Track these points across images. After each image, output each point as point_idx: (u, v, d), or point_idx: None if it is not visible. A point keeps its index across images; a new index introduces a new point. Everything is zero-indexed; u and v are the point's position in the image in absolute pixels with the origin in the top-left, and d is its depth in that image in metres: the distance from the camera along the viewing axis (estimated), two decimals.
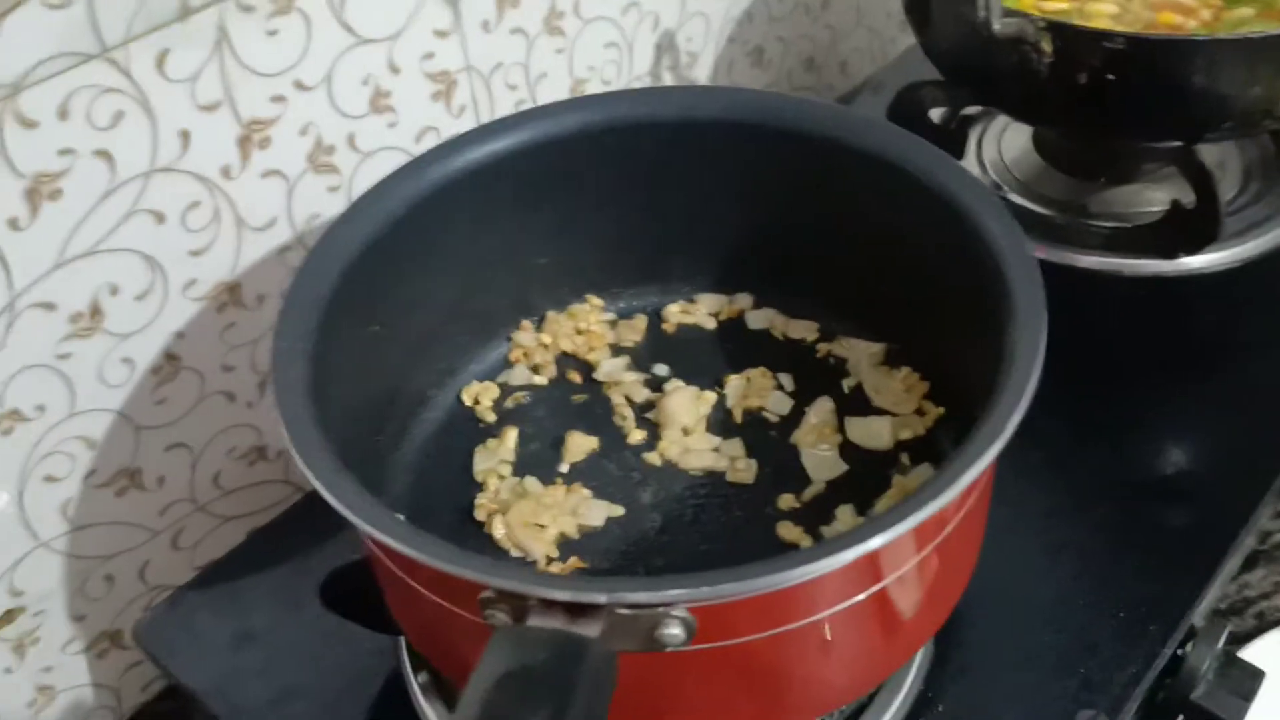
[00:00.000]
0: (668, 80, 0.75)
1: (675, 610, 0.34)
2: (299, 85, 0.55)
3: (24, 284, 0.49)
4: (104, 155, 0.49)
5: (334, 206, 0.60)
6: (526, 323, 0.58)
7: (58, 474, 0.54)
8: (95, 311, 0.52)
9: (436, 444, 0.54)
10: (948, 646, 0.50)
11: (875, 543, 0.35)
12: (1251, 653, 0.61)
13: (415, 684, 0.51)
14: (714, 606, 0.35)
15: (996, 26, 0.55)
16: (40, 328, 0.50)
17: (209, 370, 0.58)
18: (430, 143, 0.63)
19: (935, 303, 0.51)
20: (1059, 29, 0.56)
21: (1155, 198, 0.68)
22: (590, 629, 0.33)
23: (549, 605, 0.34)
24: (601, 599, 0.34)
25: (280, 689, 0.52)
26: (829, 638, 0.39)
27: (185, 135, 0.52)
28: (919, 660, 0.49)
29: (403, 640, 0.52)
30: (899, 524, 0.35)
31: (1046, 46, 0.56)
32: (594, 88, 0.71)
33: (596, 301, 0.58)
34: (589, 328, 0.57)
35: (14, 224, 0.48)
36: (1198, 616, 0.52)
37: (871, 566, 0.39)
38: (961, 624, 0.50)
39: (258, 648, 0.54)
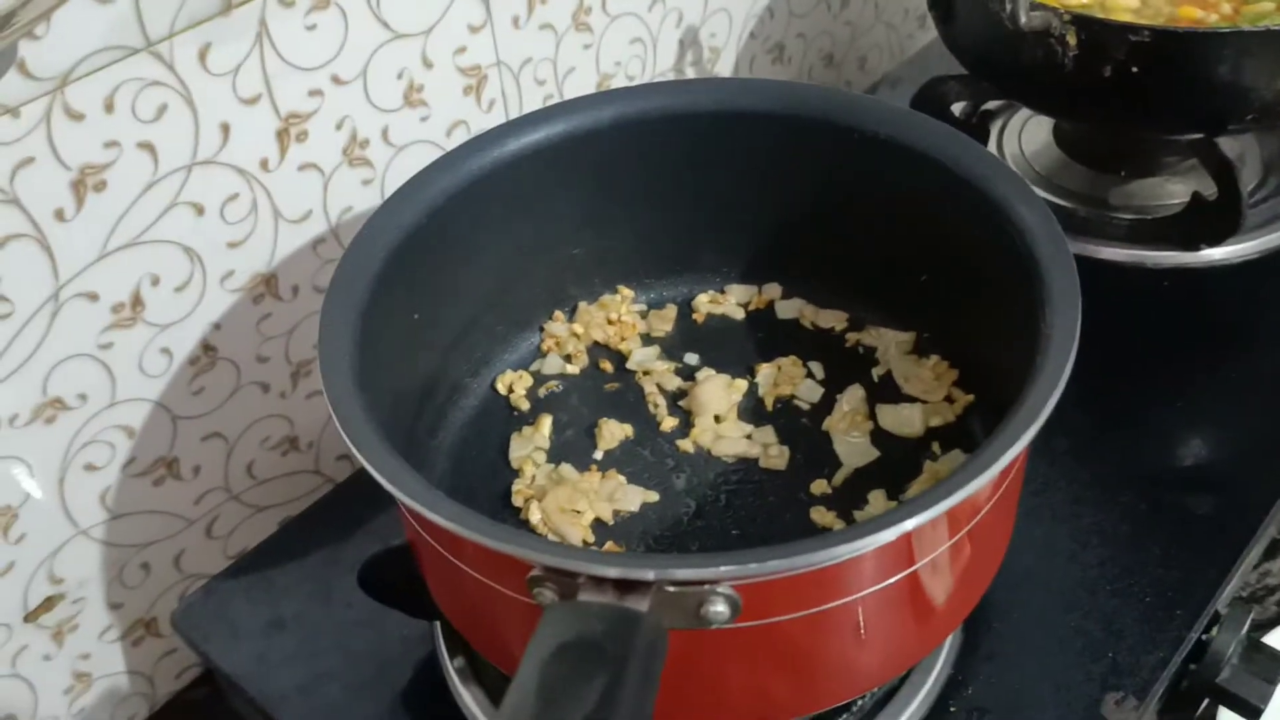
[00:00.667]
0: (691, 75, 0.76)
1: (721, 587, 0.35)
2: (336, 79, 0.56)
3: (69, 274, 0.50)
4: (147, 148, 0.50)
5: (367, 199, 0.60)
6: (559, 313, 0.59)
7: (97, 462, 0.54)
8: (136, 302, 0.53)
9: (472, 431, 0.55)
10: (977, 631, 0.50)
11: (917, 520, 0.36)
12: (1274, 639, 0.61)
13: (451, 668, 0.51)
14: (759, 584, 0.36)
15: (1023, 19, 0.56)
16: (83, 318, 0.51)
17: (244, 361, 0.59)
18: (460, 136, 0.64)
19: (965, 291, 0.51)
20: (1084, 22, 0.57)
21: (1175, 190, 0.69)
22: (639, 605, 0.34)
23: (598, 582, 0.35)
24: (650, 575, 0.34)
25: (314, 675, 0.53)
26: (866, 618, 0.40)
27: (225, 128, 0.53)
28: (948, 644, 0.50)
29: (438, 625, 0.53)
30: (943, 501, 0.36)
31: (1071, 39, 0.57)
32: (619, 83, 0.72)
33: (627, 292, 0.59)
34: (620, 318, 0.58)
35: (60, 215, 0.48)
36: (1221, 603, 0.53)
37: (908, 548, 0.40)
38: (990, 609, 0.51)
39: (291, 634, 0.55)
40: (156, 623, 0.61)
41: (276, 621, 0.56)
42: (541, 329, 0.59)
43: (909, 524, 0.37)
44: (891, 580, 0.40)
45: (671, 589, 0.35)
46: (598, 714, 0.30)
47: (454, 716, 0.50)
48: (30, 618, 0.55)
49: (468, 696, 0.50)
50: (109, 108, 0.48)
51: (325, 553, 0.59)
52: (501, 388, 0.57)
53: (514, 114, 0.66)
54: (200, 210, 0.53)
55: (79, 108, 0.47)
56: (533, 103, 0.67)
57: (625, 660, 0.31)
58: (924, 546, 0.40)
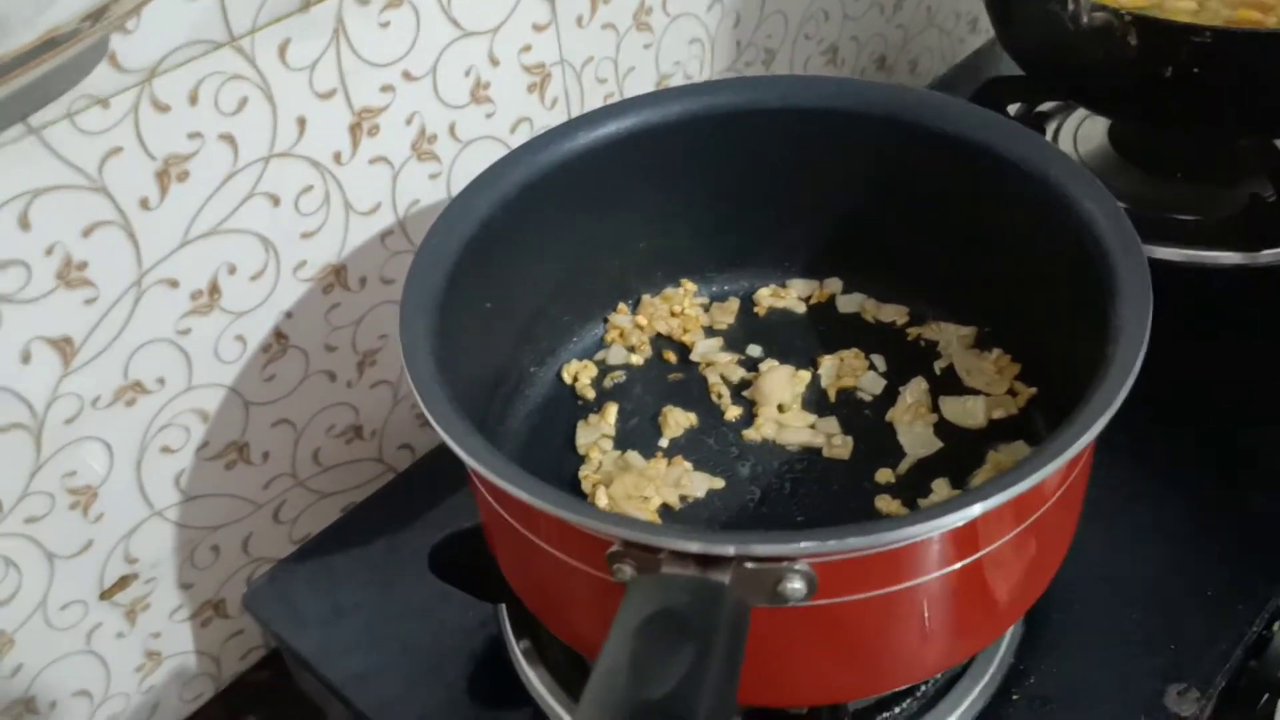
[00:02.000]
0: (748, 75, 0.77)
1: (799, 565, 0.36)
2: (407, 76, 0.57)
3: (151, 262, 0.51)
4: (228, 139, 0.52)
5: (434, 193, 0.62)
6: (623, 305, 0.60)
7: (173, 445, 0.56)
8: (214, 290, 0.54)
9: (539, 419, 0.56)
10: (1038, 622, 0.51)
11: (988, 504, 0.37)
12: None
13: (517, 649, 0.52)
14: (835, 563, 0.36)
15: (1084, 20, 0.57)
16: (164, 304, 0.52)
17: (313, 349, 0.60)
18: (524, 133, 0.65)
19: (1028, 285, 0.52)
20: (1145, 23, 0.57)
21: (1231, 193, 0.69)
22: (721, 579, 0.35)
23: (679, 558, 0.36)
24: (731, 550, 0.35)
25: (380, 657, 0.54)
26: (936, 602, 0.41)
27: (302, 122, 0.54)
28: (1010, 634, 0.51)
29: (503, 608, 0.54)
30: (1015, 486, 0.36)
31: (1132, 40, 0.58)
32: (677, 82, 0.73)
33: (690, 285, 0.60)
34: (683, 310, 0.59)
35: (144, 204, 0.50)
36: None
37: (976, 533, 0.41)
38: (1051, 600, 0.51)
39: (357, 618, 0.56)
40: (224, 604, 0.62)
41: (343, 605, 0.57)
42: (605, 320, 0.60)
43: (978, 508, 0.37)
44: (960, 565, 0.40)
45: (751, 565, 0.35)
46: (688, 684, 0.31)
47: (520, 696, 0.51)
48: (105, 596, 0.56)
49: (533, 676, 0.51)
50: (193, 100, 0.50)
51: (387, 539, 0.60)
52: (567, 377, 0.58)
53: (575, 111, 0.67)
54: (276, 201, 0.55)
55: (165, 100, 0.49)
56: (594, 101, 0.68)
57: (712, 632, 0.32)
58: (991, 533, 0.41)
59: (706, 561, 0.35)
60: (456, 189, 0.62)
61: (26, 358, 0.48)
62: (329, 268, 0.59)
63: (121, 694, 0.59)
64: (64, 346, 0.50)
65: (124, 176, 0.49)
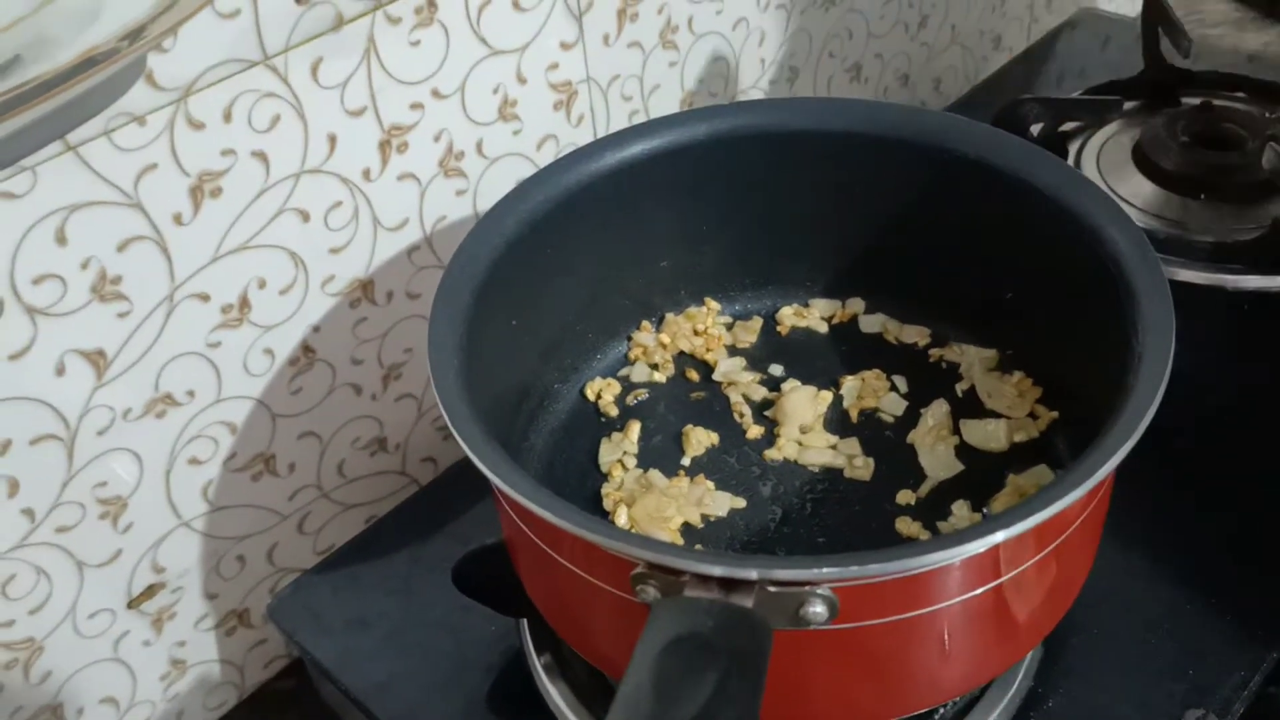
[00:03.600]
0: (771, 93, 0.78)
1: (821, 589, 0.36)
2: (436, 93, 0.58)
3: (183, 276, 0.52)
4: (260, 156, 0.52)
5: (461, 209, 0.62)
6: (646, 323, 0.60)
7: (201, 457, 0.57)
8: (244, 304, 0.55)
9: (563, 436, 0.57)
10: (1057, 646, 0.51)
11: (1011, 532, 0.37)
12: None
13: (538, 664, 0.53)
14: (857, 587, 0.37)
15: None
16: (195, 318, 0.53)
17: (340, 363, 0.61)
18: (550, 150, 0.65)
19: (1050, 309, 0.52)
20: None
21: (1255, 215, 0.69)
22: (745, 603, 0.35)
23: (702, 580, 0.36)
24: (754, 574, 0.36)
25: (402, 668, 0.55)
26: (955, 627, 0.41)
27: (332, 139, 0.55)
28: (1029, 657, 0.51)
29: (524, 623, 0.55)
30: (1039, 513, 0.37)
31: None
32: (702, 100, 0.73)
33: (713, 304, 0.61)
34: (706, 329, 0.59)
35: (178, 219, 0.51)
36: None
37: (997, 559, 0.41)
38: (1071, 625, 0.51)
39: (379, 630, 0.56)
40: (248, 614, 0.63)
41: (365, 616, 0.57)
42: (629, 338, 0.60)
43: (1000, 535, 0.38)
44: (981, 590, 0.41)
45: (773, 589, 0.36)
46: (712, 707, 0.31)
47: (539, 710, 0.52)
48: (133, 604, 0.57)
49: (554, 691, 0.52)
50: (227, 117, 0.50)
51: (409, 551, 0.60)
52: (590, 394, 0.58)
53: (601, 129, 0.68)
54: (306, 217, 0.55)
55: (200, 117, 0.50)
56: (619, 118, 0.69)
57: (736, 655, 0.32)
58: (1013, 559, 0.41)
59: (730, 585, 0.36)
60: (483, 205, 0.63)
61: (60, 370, 0.49)
62: (356, 282, 0.59)
63: (147, 701, 0.60)
64: (97, 359, 0.50)
65: (158, 192, 0.49)
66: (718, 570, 0.36)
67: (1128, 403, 0.40)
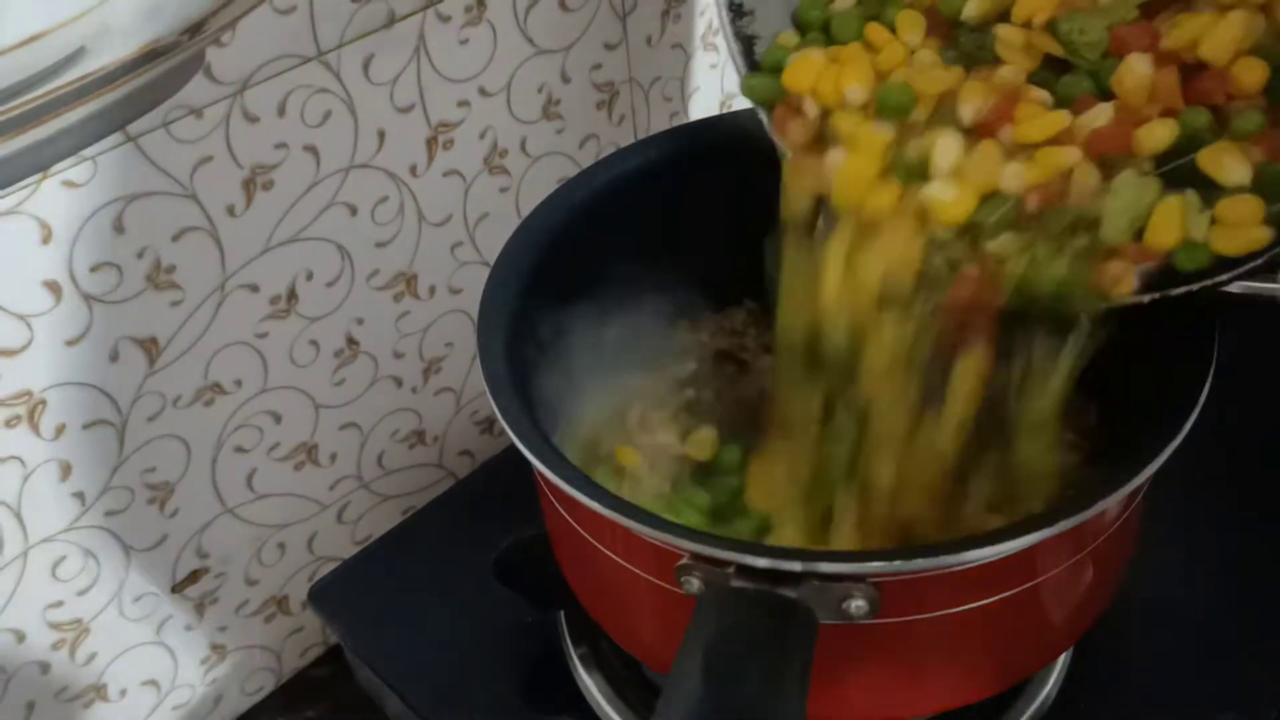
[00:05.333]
0: None
1: (865, 583, 0.37)
2: (482, 91, 0.59)
3: (234, 266, 0.53)
4: (311, 150, 0.53)
5: (503, 206, 0.63)
6: (685, 322, 0.61)
7: (246, 445, 0.58)
8: (291, 295, 0.56)
9: None
10: (1089, 647, 0.51)
11: (1058, 528, 0.37)
12: None
13: (575, 655, 0.54)
14: (900, 582, 0.37)
15: None
16: (245, 308, 0.54)
17: (382, 355, 0.62)
18: (592, 149, 0.66)
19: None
20: None
21: None
22: (790, 594, 0.36)
23: (747, 571, 0.37)
24: (798, 567, 0.36)
25: (439, 658, 0.55)
26: (999, 622, 0.41)
27: (381, 135, 0.56)
28: (1062, 657, 0.51)
29: (562, 614, 0.55)
30: (1086, 510, 0.37)
31: None
32: (740, 103, 0.74)
33: (752, 305, 0.61)
34: (743, 330, 0.60)
35: (231, 210, 0.52)
36: None
37: (1034, 559, 0.41)
38: (1103, 626, 0.51)
39: (417, 619, 0.57)
40: (287, 600, 0.64)
41: (402, 605, 0.58)
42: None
43: (1040, 535, 0.38)
44: (1021, 588, 0.41)
45: (817, 582, 0.36)
46: (762, 697, 0.32)
47: (575, 701, 0.53)
48: (177, 589, 0.58)
49: (590, 682, 0.53)
50: (281, 111, 0.51)
51: (446, 542, 0.61)
52: None
53: (642, 129, 0.68)
54: (354, 211, 0.56)
55: (255, 111, 0.51)
56: (659, 118, 0.70)
57: (783, 647, 0.33)
58: (1051, 560, 0.42)
59: (775, 577, 0.36)
60: (525, 202, 0.64)
61: (115, 356, 0.50)
62: (400, 276, 0.60)
63: (188, 685, 0.61)
64: (150, 347, 0.51)
65: (213, 184, 0.51)
66: (762, 562, 0.36)
67: (1166, 409, 0.41)
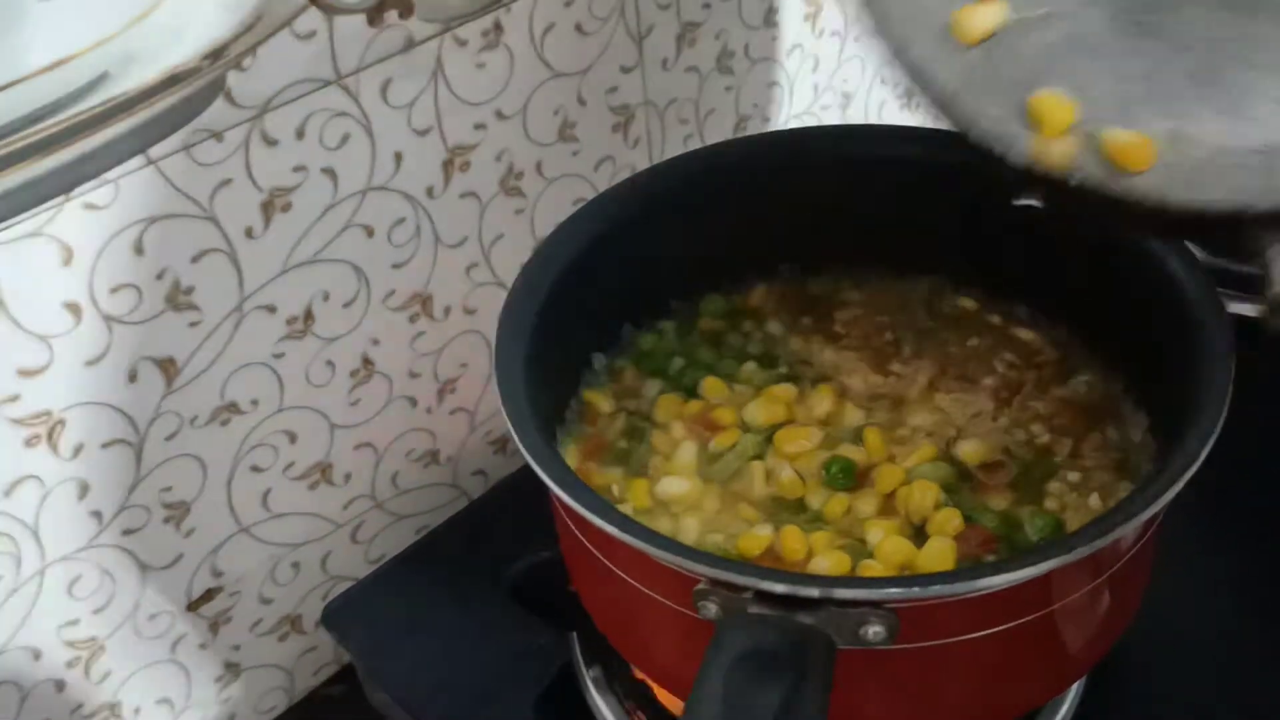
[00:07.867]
0: (824, 119, 0.79)
1: (882, 609, 0.37)
2: (499, 114, 0.59)
3: (252, 288, 0.53)
4: (329, 173, 0.54)
5: (518, 228, 0.64)
6: None
7: (262, 464, 0.58)
8: (308, 316, 0.56)
9: None
10: (1105, 672, 0.51)
11: (1077, 555, 0.37)
12: None
13: (587, 676, 0.54)
14: (918, 608, 0.37)
15: None
16: (262, 329, 0.55)
17: (397, 376, 0.62)
18: (607, 171, 0.67)
19: (1106, 337, 0.53)
20: None
21: None
22: (808, 620, 0.36)
23: (765, 597, 0.37)
24: (815, 593, 0.36)
25: (452, 678, 0.55)
26: (1015, 647, 0.41)
27: (398, 157, 0.56)
28: (1076, 686, 0.51)
29: (575, 635, 0.55)
30: (1105, 536, 0.37)
31: None
32: (755, 125, 0.75)
33: None
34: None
35: (249, 232, 0.52)
36: None
37: (1049, 586, 0.41)
38: (1118, 652, 0.51)
39: (430, 639, 0.57)
40: (301, 620, 0.64)
41: (415, 624, 0.58)
42: None
43: (1059, 560, 0.38)
44: (1038, 614, 0.41)
45: (835, 608, 0.36)
46: None
47: None
48: (192, 607, 0.58)
49: (603, 704, 0.53)
50: (300, 135, 0.52)
51: (459, 562, 0.61)
52: None
53: (657, 151, 0.69)
54: (370, 233, 0.57)
55: (274, 134, 0.51)
56: (674, 141, 0.70)
57: (801, 672, 0.33)
58: (1069, 586, 0.42)
59: (793, 602, 0.36)
60: (540, 224, 0.64)
61: (133, 376, 0.51)
62: (416, 297, 0.61)
63: (201, 703, 0.61)
64: (168, 367, 0.52)
65: (232, 206, 0.51)
66: (780, 587, 0.36)
67: (1185, 438, 0.41)
